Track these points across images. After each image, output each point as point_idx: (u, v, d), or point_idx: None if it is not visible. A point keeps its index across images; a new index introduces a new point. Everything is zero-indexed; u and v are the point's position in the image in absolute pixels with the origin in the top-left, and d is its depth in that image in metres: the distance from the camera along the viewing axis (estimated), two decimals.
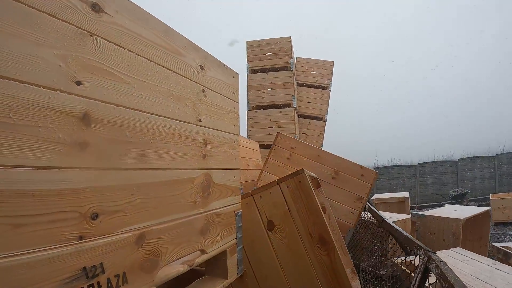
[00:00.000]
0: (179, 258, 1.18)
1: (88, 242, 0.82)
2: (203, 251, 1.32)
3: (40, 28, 0.72)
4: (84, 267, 0.81)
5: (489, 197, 9.84)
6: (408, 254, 2.98)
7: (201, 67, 1.35)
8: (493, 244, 4.53)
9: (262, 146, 4.39)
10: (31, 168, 0.69)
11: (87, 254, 0.82)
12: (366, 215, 3.71)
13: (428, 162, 17.32)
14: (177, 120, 1.17)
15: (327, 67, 5.35)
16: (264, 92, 4.60)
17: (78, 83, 0.81)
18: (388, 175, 16.49)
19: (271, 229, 1.81)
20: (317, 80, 5.30)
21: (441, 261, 1.43)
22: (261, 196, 1.83)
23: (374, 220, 3.52)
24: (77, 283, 0.79)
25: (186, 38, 1.27)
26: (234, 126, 1.60)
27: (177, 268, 1.17)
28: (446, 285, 1.21)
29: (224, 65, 1.54)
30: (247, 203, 1.82)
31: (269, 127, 4.54)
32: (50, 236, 0.72)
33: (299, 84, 5.28)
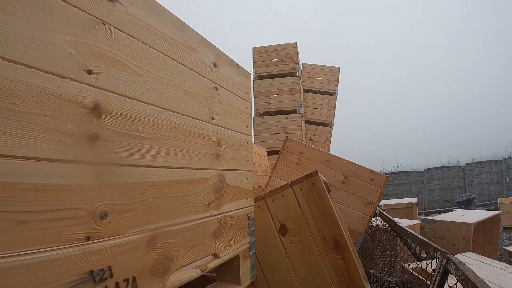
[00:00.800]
0: (192, 263, 1.09)
1: (96, 243, 0.74)
2: (216, 256, 1.23)
3: (52, 12, 0.66)
4: (91, 270, 0.73)
5: (497, 202, 9.60)
6: (419, 260, 2.87)
7: (214, 65, 1.29)
8: (504, 247, 4.39)
9: (269, 153, 4.30)
10: (35, 160, 0.61)
11: (94, 256, 0.74)
12: (375, 221, 3.60)
13: (435, 168, 17.03)
14: (190, 117, 1.10)
15: (333, 73, 5.29)
16: (270, 98, 4.52)
17: (89, 72, 0.74)
18: (394, 181, 16.24)
19: (284, 233, 1.72)
20: (323, 86, 5.23)
21: (461, 262, 1.34)
22: (273, 200, 1.74)
23: (383, 226, 3.41)
24: (82, 287, 0.71)
25: (200, 34, 1.21)
26: (247, 126, 1.52)
27: (189, 273, 1.09)
28: (469, 287, 1.11)
29: (237, 64, 1.48)
30: (259, 206, 1.73)
31: (276, 133, 4.46)
32: (55, 235, 0.64)
33: (305, 90, 5.21)
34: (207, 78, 1.22)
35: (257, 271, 1.77)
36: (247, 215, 1.47)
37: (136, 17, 0.89)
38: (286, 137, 3.10)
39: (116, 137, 0.80)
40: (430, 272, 2.24)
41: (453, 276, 1.30)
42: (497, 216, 4.84)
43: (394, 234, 3.14)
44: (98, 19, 0.77)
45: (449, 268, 1.34)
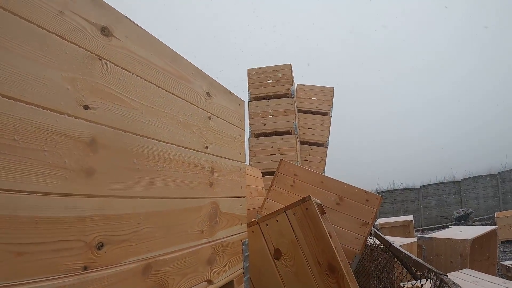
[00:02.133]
0: None
1: (92, 272, 0.75)
2: (210, 282, 1.23)
3: (49, 49, 0.69)
4: None
5: (494, 216, 9.58)
6: (416, 278, 2.85)
7: (208, 94, 1.33)
8: (502, 262, 4.36)
9: (264, 174, 4.31)
10: (35, 194, 0.64)
11: (91, 286, 0.74)
12: (371, 241, 3.59)
13: (431, 184, 17.04)
14: (184, 147, 1.13)
15: (327, 93, 5.39)
16: (265, 119, 4.58)
17: (86, 107, 0.78)
18: (391, 199, 16.20)
19: (278, 257, 1.72)
20: (317, 107, 5.32)
21: (454, 283, 1.35)
22: (267, 224, 1.75)
23: (379, 245, 3.40)
24: None
25: (193, 65, 1.25)
26: (240, 153, 1.55)
27: None
28: None
29: (230, 92, 1.52)
30: (253, 231, 1.74)
31: (271, 154, 4.50)
32: (53, 266, 0.66)
33: (300, 111, 5.29)
34: (200, 108, 1.26)
35: None
36: (241, 241, 1.47)
37: (131, 51, 0.94)
38: (281, 159, 3.14)
39: (112, 170, 0.83)
40: None
41: None
42: (493, 231, 4.84)
43: (391, 253, 3.13)
44: (94, 55, 0.81)
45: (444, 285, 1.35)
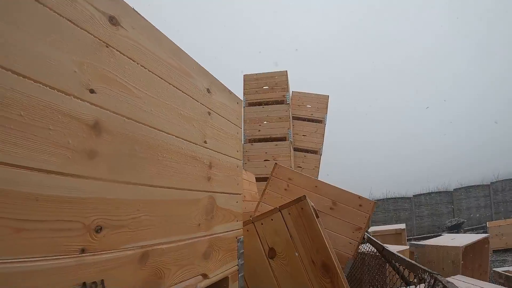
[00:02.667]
0: (182, 282, 1.08)
1: (90, 256, 0.75)
2: (205, 276, 1.22)
3: (60, 32, 0.70)
4: (84, 283, 0.73)
5: (486, 225, 9.64)
6: (407, 283, 2.85)
7: (208, 90, 1.34)
8: (494, 269, 4.39)
9: (258, 179, 4.31)
10: (37, 171, 0.63)
11: (88, 269, 0.74)
12: (364, 248, 3.59)
13: (423, 194, 17.14)
14: (184, 139, 1.14)
15: (322, 101, 5.44)
16: (260, 125, 4.60)
17: (92, 91, 0.78)
18: (383, 208, 16.23)
19: (272, 256, 1.71)
20: (312, 114, 5.36)
21: (449, 281, 1.35)
22: (262, 223, 1.75)
23: (372, 252, 3.41)
24: None
25: (195, 61, 1.27)
26: (238, 151, 1.56)
27: None
28: None
29: (229, 91, 1.54)
30: (248, 230, 1.73)
31: (265, 160, 4.50)
32: (52, 245, 0.65)
33: (294, 118, 5.32)
34: (201, 103, 1.27)
35: None
36: (236, 238, 1.47)
37: (137, 42, 0.95)
38: (275, 163, 3.14)
39: (114, 154, 0.83)
40: None
41: None
42: (486, 239, 4.87)
43: (383, 259, 3.14)
44: (102, 42, 0.82)
45: (439, 285, 1.35)
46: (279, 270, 1.69)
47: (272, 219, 1.74)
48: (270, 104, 4.65)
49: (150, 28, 1.01)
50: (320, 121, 5.33)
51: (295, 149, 5.20)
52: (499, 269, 4.27)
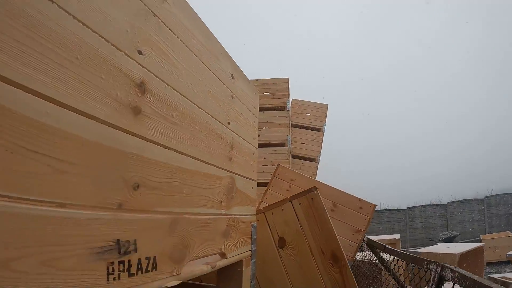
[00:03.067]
0: (203, 257, 1.07)
1: (126, 212, 0.74)
2: (223, 255, 1.21)
3: None
4: (118, 240, 0.72)
5: (480, 238, 9.65)
6: (402, 286, 2.85)
7: (232, 76, 1.36)
8: (489, 275, 4.39)
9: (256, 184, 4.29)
10: (85, 116, 0.63)
11: (123, 226, 0.72)
12: (360, 255, 3.59)
13: (418, 206, 17.22)
14: (212, 116, 1.15)
15: (321, 110, 5.51)
16: (260, 130, 4.59)
17: (140, 52, 0.79)
18: (378, 220, 16.23)
19: (282, 246, 1.70)
20: (311, 122, 5.41)
21: (455, 268, 1.36)
22: (272, 213, 1.74)
23: (368, 260, 3.41)
24: (108, 256, 0.68)
25: (222, 46, 1.29)
26: (254, 138, 1.57)
27: (201, 267, 1.06)
28: (467, 282, 1.14)
29: (248, 80, 1.56)
30: (258, 220, 1.72)
31: (263, 165, 4.50)
32: (91, 194, 0.64)
33: (293, 125, 5.35)
34: (226, 86, 1.29)
35: (255, 284, 1.72)
36: (250, 223, 1.46)
37: (177, 17, 0.97)
38: (278, 164, 3.16)
39: (154, 116, 0.84)
40: None
41: (450, 282, 1.31)
42: (481, 248, 4.87)
43: (380, 265, 3.14)
44: (150, 11, 0.84)
45: (444, 274, 1.36)
46: (288, 259, 1.68)
47: (282, 209, 1.74)
48: (270, 110, 4.68)
49: (187, 7, 1.04)
50: (319, 130, 5.37)
51: (293, 156, 5.21)
52: (495, 275, 4.28)
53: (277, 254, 1.70)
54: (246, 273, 1.40)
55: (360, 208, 2.93)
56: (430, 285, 1.39)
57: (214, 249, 1.14)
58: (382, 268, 3.29)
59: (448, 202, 17.33)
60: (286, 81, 4.73)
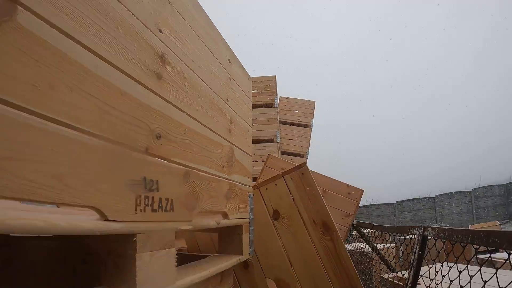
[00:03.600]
0: (209, 212, 1.28)
1: (151, 156, 0.94)
2: (225, 215, 1.42)
3: None
4: (145, 177, 0.92)
5: (468, 228, 10.07)
6: (392, 270, 3.10)
7: (229, 61, 1.59)
8: (478, 256, 4.65)
9: None
10: (123, 73, 0.84)
11: (149, 167, 0.93)
12: (350, 247, 3.83)
13: (406, 200, 17.75)
14: (214, 92, 1.37)
15: (308, 106, 5.81)
16: None
17: (160, 31, 1.02)
18: (367, 215, 16.65)
19: (276, 218, 1.92)
20: (299, 119, 5.70)
21: (436, 225, 1.60)
22: (267, 188, 1.97)
23: (358, 250, 3.65)
24: (137, 188, 0.88)
25: (220, 34, 1.52)
26: (248, 118, 1.80)
27: (208, 221, 1.27)
28: (446, 233, 1.37)
29: (243, 66, 1.79)
30: (253, 195, 1.94)
31: (253, 161, 4.73)
32: (127, 134, 0.85)
33: (282, 122, 5.62)
34: (224, 68, 1.52)
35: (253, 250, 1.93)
36: (248, 192, 1.68)
37: (186, 6, 1.20)
38: (269, 154, 3.39)
39: (171, 83, 1.05)
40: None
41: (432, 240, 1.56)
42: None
43: (370, 254, 3.38)
44: None
45: (426, 233, 1.60)
46: (283, 230, 1.90)
47: (276, 184, 1.96)
48: (259, 107, 4.93)
49: None
50: (307, 126, 5.66)
51: (282, 153, 5.46)
52: (483, 256, 4.57)
53: (272, 226, 1.91)
54: (245, 239, 1.62)
55: (349, 193, 3.19)
56: (415, 246, 1.63)
57: (218, 207, 1.35)
58: (373, 257, 3.55)
59: (436, 195, 17.93)
60: (273, 78, 5.00)
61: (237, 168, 1.56)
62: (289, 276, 1.86)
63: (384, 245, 3.79)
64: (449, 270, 1.42)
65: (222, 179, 1.39)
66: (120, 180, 0.83)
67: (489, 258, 1.35)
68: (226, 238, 1.59)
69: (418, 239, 1.66)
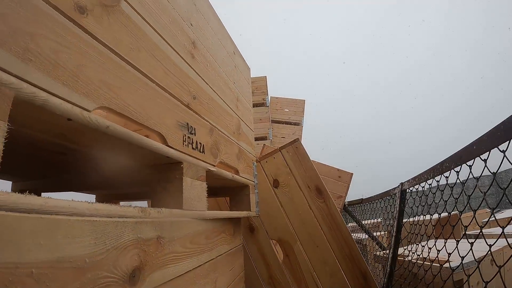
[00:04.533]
0: (226, 164, 1.75)
1: (190, 110, 1.42)
2: (237, 172, 1.89)
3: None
4: (187, 123, 1.39)
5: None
6: (382, 249, 3.57)
7: (234, 52, 2.10)
8: (468, 233, 5.15)
9: None
10: (173, 49, 1.33)
11: (190, 116, 1.40)
12: None
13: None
14: (225, 74, 1.86)
15: (299, 105, 6.35)
16: None
17: (191, 24, 1.51)
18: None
19: (276, 186, 2.39)
20: (290, 117, 6.23)
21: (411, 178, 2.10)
22: (266, 161, 2.44)
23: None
24: (183, 129, 1.35)
25: (227, 31, 2.03)
26: (250, 100, 2.29)
27: (226, 172, 1.74)
28: (417, 179, 1.86)
29: (244, 58, 2.30)
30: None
31: None
32: (177, 90, 1.34)
33: (273, 121, 6.14)
34: (231, 58, 2.02)
35: (256, 220, 2.39)
36: (252, 160, 2.16)
37: (203, 6, 1.70)
38: (264, 144, 3.87)
39: (200, 62, 1.54)
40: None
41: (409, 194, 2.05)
42: (455, 215, 5.70)
43: (364, 242, 3.84)
44: (194, 2, 1.57)
45: (404, 187, 2.09)
46: (282, 196, 2.37)
47: (274, 158, 2.44)
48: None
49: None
50: (298, 124, 6.20)
51: None
52: (471, 232, 5.08)
53: (273, 193, 2.38)
54: (252, 198, 2.08)
55: (339, 177, 3.69)
56: (397, 201, 2.12)
57: (232, 163, 1.82)
58: (367, 244, 4.01)
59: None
60: (264, 79, 5.56)
61: (244, 137, 2.04)
62: (290, 236, 2.32)
63: (378, 233, 4.28)
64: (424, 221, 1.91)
65: (234, 142, 1.87)
66: (174, 120, 1.30)
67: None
68: (237, 197, 2.05)
69: (398, 195, 2.16)
